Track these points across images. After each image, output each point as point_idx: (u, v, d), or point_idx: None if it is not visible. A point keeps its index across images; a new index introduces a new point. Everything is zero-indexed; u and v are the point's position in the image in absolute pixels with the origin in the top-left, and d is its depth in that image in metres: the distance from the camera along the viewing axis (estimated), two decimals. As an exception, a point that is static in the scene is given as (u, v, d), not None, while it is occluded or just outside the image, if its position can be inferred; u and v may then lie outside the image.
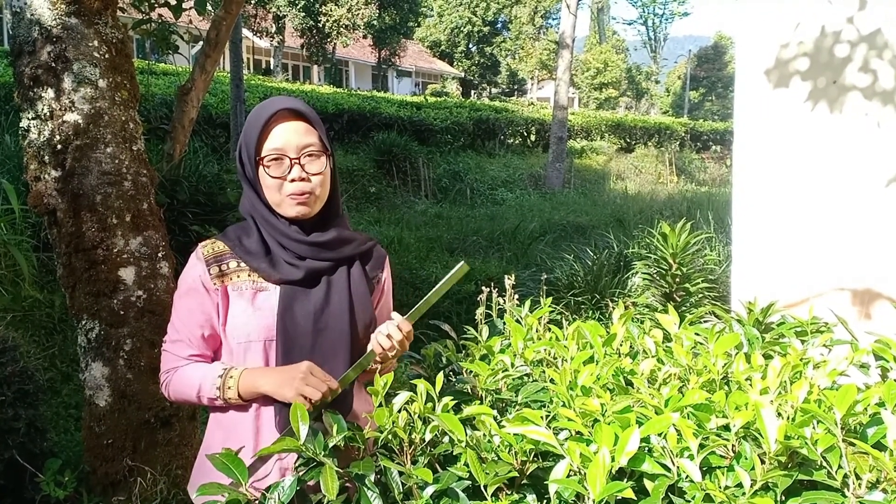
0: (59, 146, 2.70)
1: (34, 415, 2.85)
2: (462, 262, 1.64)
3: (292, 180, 1.53)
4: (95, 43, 2.78)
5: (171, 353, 1.65)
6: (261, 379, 1.53)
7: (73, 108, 2.71)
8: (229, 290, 1.59)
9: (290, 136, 1.53)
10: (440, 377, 1.40)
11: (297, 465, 1.29)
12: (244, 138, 1.55)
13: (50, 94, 2.70)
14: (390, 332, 1.56)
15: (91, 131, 2.74)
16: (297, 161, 1.53)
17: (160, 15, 6.76)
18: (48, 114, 2.70)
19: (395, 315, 1.60)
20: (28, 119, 2.74)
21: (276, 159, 1.53)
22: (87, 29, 2.76)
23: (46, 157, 2.72)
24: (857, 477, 1.05)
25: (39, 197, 2.75)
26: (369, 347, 1.60)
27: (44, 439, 2.90)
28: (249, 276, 1.59)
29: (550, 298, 2.01)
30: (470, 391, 1.56)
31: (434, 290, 1.60)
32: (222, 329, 1.61)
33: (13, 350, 2.92)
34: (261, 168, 1.54)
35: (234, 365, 1.59)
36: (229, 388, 1.55)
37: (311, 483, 1.24)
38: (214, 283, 1.58)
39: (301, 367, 1.50)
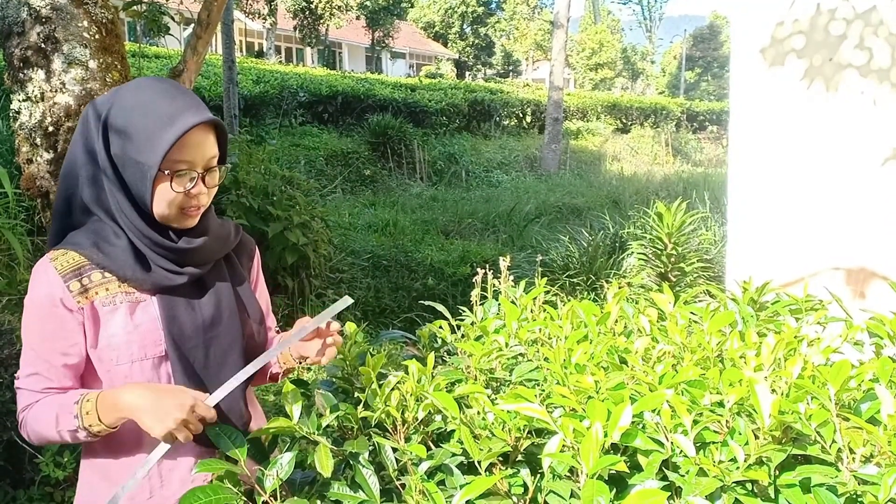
0: (50, 128, 2.68)
1: (30, 398, 2.85)
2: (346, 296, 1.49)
3: (194, 195, 1.36)
4: (85, 23, 2.75)
5: (26, 390, 1.37)
6: (125, 396, 1.28)
7: (64, 90, 2.69)
8: (97, 308, 1.35)
9: (200, 150, 1.35)
10: (431, 357, 1.41)
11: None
12: (136, 139, 1.31)
13: (40, 75, 2.68)
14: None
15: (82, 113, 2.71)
16: (202, 176, 1.36)
17: (151, -4, 6.69)
18: (39, 95, 2.68)
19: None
20: (19, 101, 2.72)
21: (182, 173, 1.34)
22: (77, 9, 2.74)
23: (38, 140, 2.70)
24: (851, 451, 1.06)
25: (32, 180, 2.73)
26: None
27: (41, 422, 2.91)
28: (119, 286, 1.37)
29: (545, 279, 2.00)
30: (464, 371, 1.56)
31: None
32: (93, 352, 1.37)
33: (9, 333, 2.92)
34: (163, 182, 1.32)
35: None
36: (87, 412, 1.29)
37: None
38: (78, 301, 1.33)
39: (184, 402, 1.27)
